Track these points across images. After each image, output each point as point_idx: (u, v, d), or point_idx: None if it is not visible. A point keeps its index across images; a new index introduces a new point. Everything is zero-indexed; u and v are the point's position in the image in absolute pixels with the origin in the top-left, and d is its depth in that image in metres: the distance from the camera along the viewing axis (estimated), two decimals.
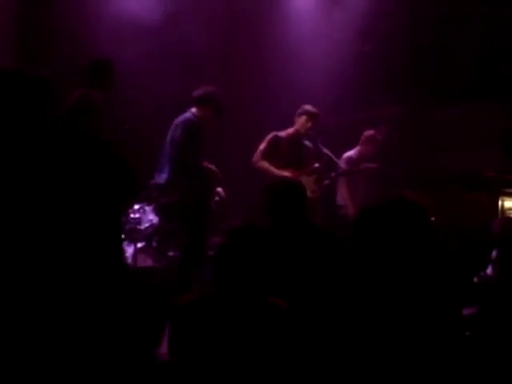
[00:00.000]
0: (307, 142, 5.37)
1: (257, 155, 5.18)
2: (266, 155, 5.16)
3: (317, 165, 5.31)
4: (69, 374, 2.18)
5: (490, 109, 6.29)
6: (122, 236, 4.70)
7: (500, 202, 5.62)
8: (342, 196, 5.74)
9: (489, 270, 3.98)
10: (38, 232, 2.31)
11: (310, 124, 5.25)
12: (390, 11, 6.66)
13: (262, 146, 5.20)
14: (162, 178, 4.74)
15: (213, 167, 4.81)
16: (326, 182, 5.40)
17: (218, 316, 2.01)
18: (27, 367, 2.15)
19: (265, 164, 5.14)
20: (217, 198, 5.04)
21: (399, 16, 6.69)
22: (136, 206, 4.97)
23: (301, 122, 5.27)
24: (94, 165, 2.44)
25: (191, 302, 2.07)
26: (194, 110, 4.81)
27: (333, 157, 5.31)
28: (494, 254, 3.98)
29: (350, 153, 5.79)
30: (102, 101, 4.10)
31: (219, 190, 5.06)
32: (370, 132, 5.82)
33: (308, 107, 5.28)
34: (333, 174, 5.41)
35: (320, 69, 6.38)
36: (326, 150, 5.29)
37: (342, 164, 5.67)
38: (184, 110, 4.84)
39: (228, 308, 2.02)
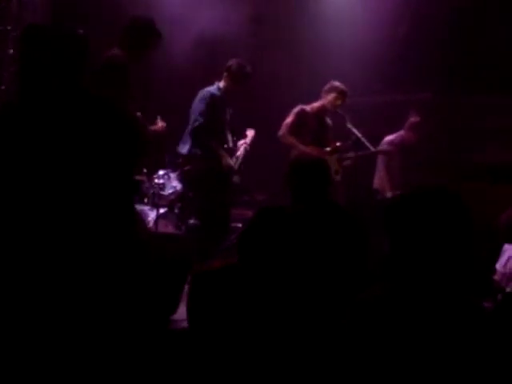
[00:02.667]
0: (329, 120, 5.30)
1: (283, 129, 5.11)
2: (293, 130, 5.09)
3: (338, 143, 5.23)
4: (78, 342, 2.21)
5: None
6: (141, 200, 4.80)
7: None
8: (380, 179, 5.67)
9: (498, 265, 3.94)
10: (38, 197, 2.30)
11: (339, 101, 5.17)
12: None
13: (289, 120, 5.12)
14: (184, 148, 4.82)
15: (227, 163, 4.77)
16: (347, 162, 5.30)
17: (239, 290, 2.02)
18: (36, 330, 2.17)
19: (291, 139, 5.08)
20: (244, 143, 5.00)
21: (436, 1, 6.51)
22: (161, 172, 5.00)
23: (329, 98, 5.17)
24: (93, 125, 2.40)
25: (212, 271, 2.08)
26: (220, 82, 4.86)
27: (361, 137, 5.21)
28: (505, 247, 3.93)
29: (392, 136, 5.71)
30: (132, 62, 4.04)
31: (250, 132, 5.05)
32: (416, 119, 5.70)
33: (338, 84, 5.18)
34: (354, 155, 5.28)
35: (351, 50, 6.26)
36: (354, 130, 5.21)
37: (381, 146, 5.61)
38: (211, 82, 4.89)
39: (250, 284, 2.03)
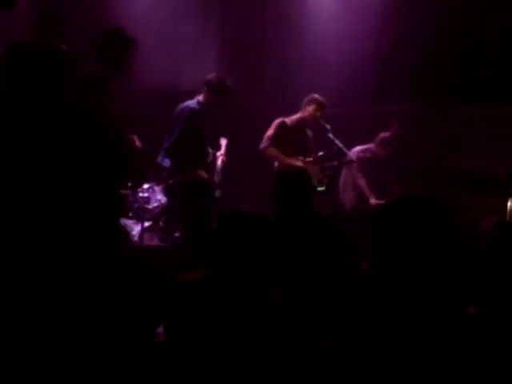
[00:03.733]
0: (308, 131, 5.35)
1: (265, 142, 5.13)
2: (274, 142, 5.12)
3: (321, 153, 5.27)
4: (66, 353, 2.21)
5: (504, 109, 6.22)
6: (125, 214, 4.79)
7: (509, 203, 5.58)
8: (349, 193, 5.75)
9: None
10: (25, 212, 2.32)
11: (318, 113, 5.22)
12: (409, 7, 6.59)
13: (270, 132, 5.15)
14: (166, 161, 4.76)
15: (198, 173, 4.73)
16: (330, 171, 5.32)
17: (209, 301, 2.02)
18: (29, 338, 2.17)
19: (273, 151, 5.11)
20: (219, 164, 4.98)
21: (418, 12, 6.62)
22: (145, 186, 5.01)
23: (309, 110, 5.23)
24: (80, 144, 2.43)
25: (186, 283, 2.09)
26: (200, 96, 4.80)
27: (343, 147, 5.26)
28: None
29: (360, 147, 5.76)
30: (112, 75, 4.04)
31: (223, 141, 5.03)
32: (385, 134, 5.76)
33: (317, 96, 5.24)
34: (335, 163, 5.30)
35: (335, 61, 6.35)
36: (336, 141, 5.25)
37: (350, 156, 5.67)
38: (191, 96, 4.84)
39: (218, 295, 2.03)
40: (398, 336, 1.56)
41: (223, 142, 5.11)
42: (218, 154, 5.02)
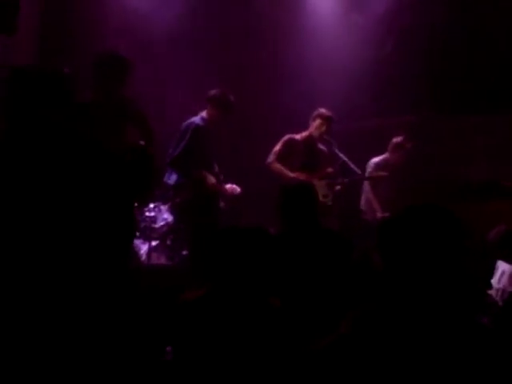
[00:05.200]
0: (322, 146, 5.36)
1: (271, 157, 5.18)
2: (281, 157, 5.16)
3: (330, 169, 5.30)
4: (72, 372, 2.21)
5: (506, 118, 6.23)
6: (134, 234, 4.79)
7: None
8: (367, 201, 5.73)
9: (493, 280, 3.96)
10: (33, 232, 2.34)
11: (324, 127, 5.23)
12: (408, 18, 6.63)
13: (277, 148, 5.20)
14: (171, 179, 4.76)
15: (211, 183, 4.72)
16: (338, 187, 5.34)
17: (211, 316, 2.02)
18: (26, 369, 2.18)
19: (278, 166, 5.14)
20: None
21: (417, 24, 6.66)
22: (151, 205, 5.03)
23: (315, 125, 5.26)
24: (79, 163, 2.45)
25: (188, 301, 2.09)
26: (203, 113, 4.80)
27: (348, 162, 5.27)
28: (499, 263, 3.96)
29: (377, 159, 5.78)
30: (112, 96, 4.04)
31: (233, 186, 4.99)
32: (398, 139, 5.76)
33: (322, 110, 5.26)
34: (345, 180, 5.34)
35: (336, 75, 6.38)
36: (341, 155, 5.26)
37: (368, 169, 5.68)
38: (195, 113, 4.84)
39: (218, 309, 2.03)
40: (406, 344, 1.56)
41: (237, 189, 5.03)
42: (232, 186, 4.98)
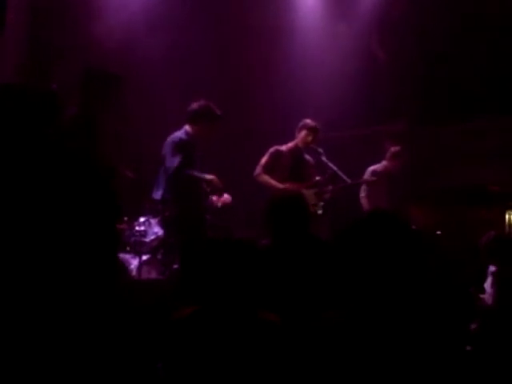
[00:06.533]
0: (308, 156, 5.39)
1: (258, 168, 5.26)
2: (268, 169, 5.22)
3: (318, 178, 5.33)
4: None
5: (494, 123, 6.29)
6: (123, 248, 4.77)
7: (507, 216, 5.61)
8: (364, 209, 5.79)
9: (486, 285, 3.98)
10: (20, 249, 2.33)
11: (310, 138, 5.29)
12: (400, 26, 6.70)
13: (264, 160, 5.27)
14: (157, 194, 4.76)
15: (213, 177, 4.71)
16: (327, 195, 5.37)
17: (206, 332, 2.00)
18: None
19: (266, 177, 5.20)
20: (219, 204, 4.93)
21: (409, 30, 6.72)
22: (141, 219, 5.00)
23: (301, 136, 5.32)
24: (73, 182, 2.46)
25: (181, 318, 2.07)
26: (187, 126, 4.78)
27: (337, 171, 5.30)
28: (491, 268, 3.98)
29: (375, 167, 5.88)
30: (101, 110, 4.05)
31: (225, 196, 4.97)
32: (396, 148, 5.90)
33: (307, 121, 5.33)
34: (331, 187, 5.36)
35: (325, 83, 6.42)
36: (330, 164, 5.29)
37: (365, 176, 5.76)
38: (179, 127, 4.82)
39: (214, 324, 2.01)
40: (371, 349, 1.58)
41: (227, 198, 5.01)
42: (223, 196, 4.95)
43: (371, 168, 5.85)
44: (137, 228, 4.93)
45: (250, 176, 5.32)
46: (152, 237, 4.98)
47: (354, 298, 1.66)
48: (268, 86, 6.56)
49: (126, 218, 4.94)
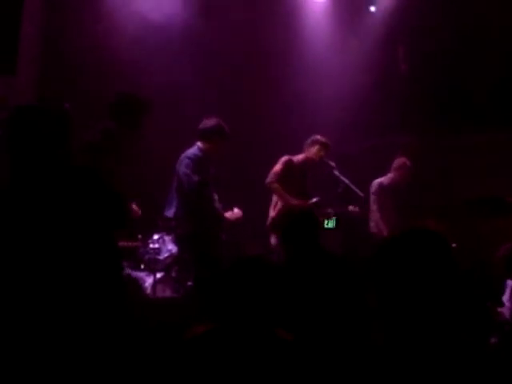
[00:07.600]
0: (308, 174, 5.38)
1: (271, 176, 5.15)
2: (281, 178, 5.13)
3: (315, 199, 5.25)
4: None
5: (508, 135, 6.26)
6: (137, 266, 4.78)
7: None
8: (376, 223, 5.73)
9: (504, 298, 3.93)
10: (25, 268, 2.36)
11: (322, 153, 5.30)
12: (412, 38, 6.72)
13: (277, 168, 5.17)
14: (170, 212, 4.77)
15: (231, 217, 4.81)
16: (330, 210, 5.33)
17: (221, 351, 1.98)
18: None
19: (279, 187, 5.12)
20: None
21: (418, 47, 6.73)
22: (155, 236, 5.00)
23: (314, 151, 5.30)
24: (79, 196, 2.48)
25: (197, 336, 2.05)
26: (199, 143, 4.82)
27: (350, 184, 5.29)
28: (509, 282, 3.94)
29: (382, 179, 5.85)
30: (125, 136, 4.07)
31: (236, 211, 4.99)
32: (401, 159, 5.88)
33: (319, 137, 5.33)
34: (329, 211, 5.32)
35: (335, 95, 6.43)
36: (342, 178, 5.28)
37: (372, 189, 5.69)
38: (192, 143, 4.86)
39: (229, 342, 1.99)
40: (415, 372, 1.53)
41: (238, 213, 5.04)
42: (234, 212, 4.98)
43: (377, 181, 5.82)
44: (151, 246, 4.92)
45: (253, 192, 5.26)
46: (166, 254, 4.96)
47: (393, 316, 1.61)
48: (279, 99, 6.57)
49: (139, 236, 4.94)
